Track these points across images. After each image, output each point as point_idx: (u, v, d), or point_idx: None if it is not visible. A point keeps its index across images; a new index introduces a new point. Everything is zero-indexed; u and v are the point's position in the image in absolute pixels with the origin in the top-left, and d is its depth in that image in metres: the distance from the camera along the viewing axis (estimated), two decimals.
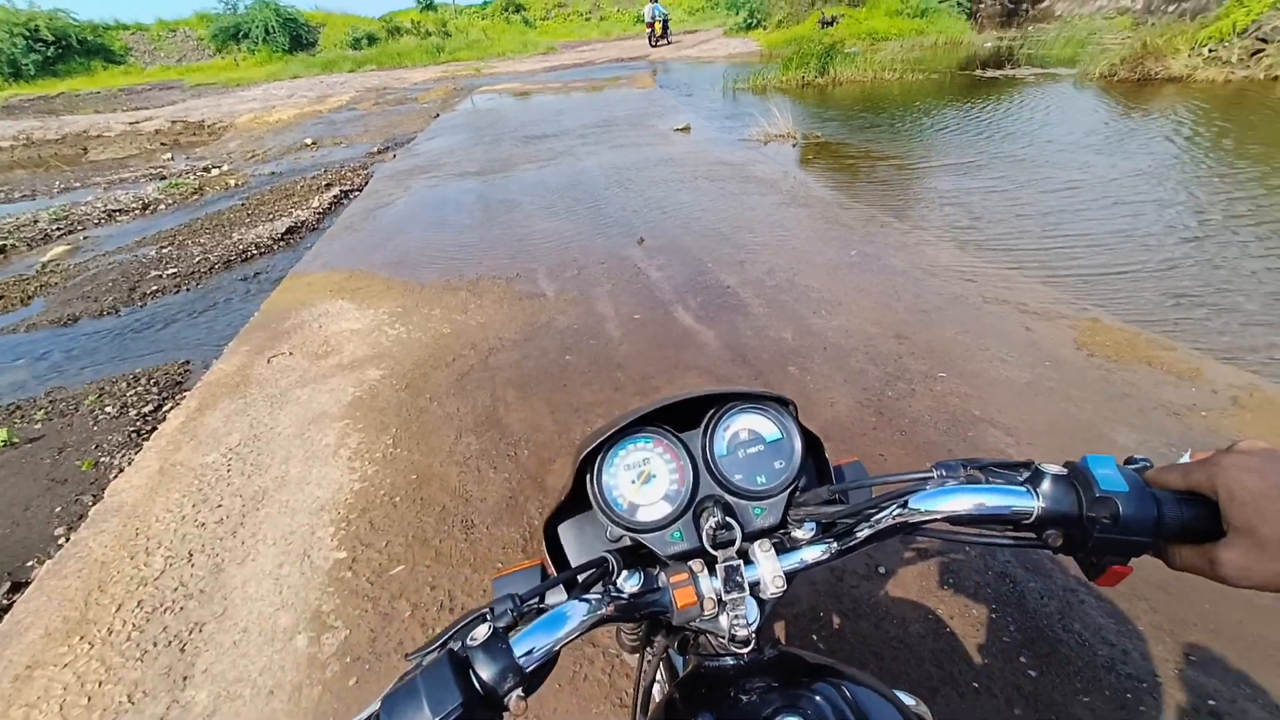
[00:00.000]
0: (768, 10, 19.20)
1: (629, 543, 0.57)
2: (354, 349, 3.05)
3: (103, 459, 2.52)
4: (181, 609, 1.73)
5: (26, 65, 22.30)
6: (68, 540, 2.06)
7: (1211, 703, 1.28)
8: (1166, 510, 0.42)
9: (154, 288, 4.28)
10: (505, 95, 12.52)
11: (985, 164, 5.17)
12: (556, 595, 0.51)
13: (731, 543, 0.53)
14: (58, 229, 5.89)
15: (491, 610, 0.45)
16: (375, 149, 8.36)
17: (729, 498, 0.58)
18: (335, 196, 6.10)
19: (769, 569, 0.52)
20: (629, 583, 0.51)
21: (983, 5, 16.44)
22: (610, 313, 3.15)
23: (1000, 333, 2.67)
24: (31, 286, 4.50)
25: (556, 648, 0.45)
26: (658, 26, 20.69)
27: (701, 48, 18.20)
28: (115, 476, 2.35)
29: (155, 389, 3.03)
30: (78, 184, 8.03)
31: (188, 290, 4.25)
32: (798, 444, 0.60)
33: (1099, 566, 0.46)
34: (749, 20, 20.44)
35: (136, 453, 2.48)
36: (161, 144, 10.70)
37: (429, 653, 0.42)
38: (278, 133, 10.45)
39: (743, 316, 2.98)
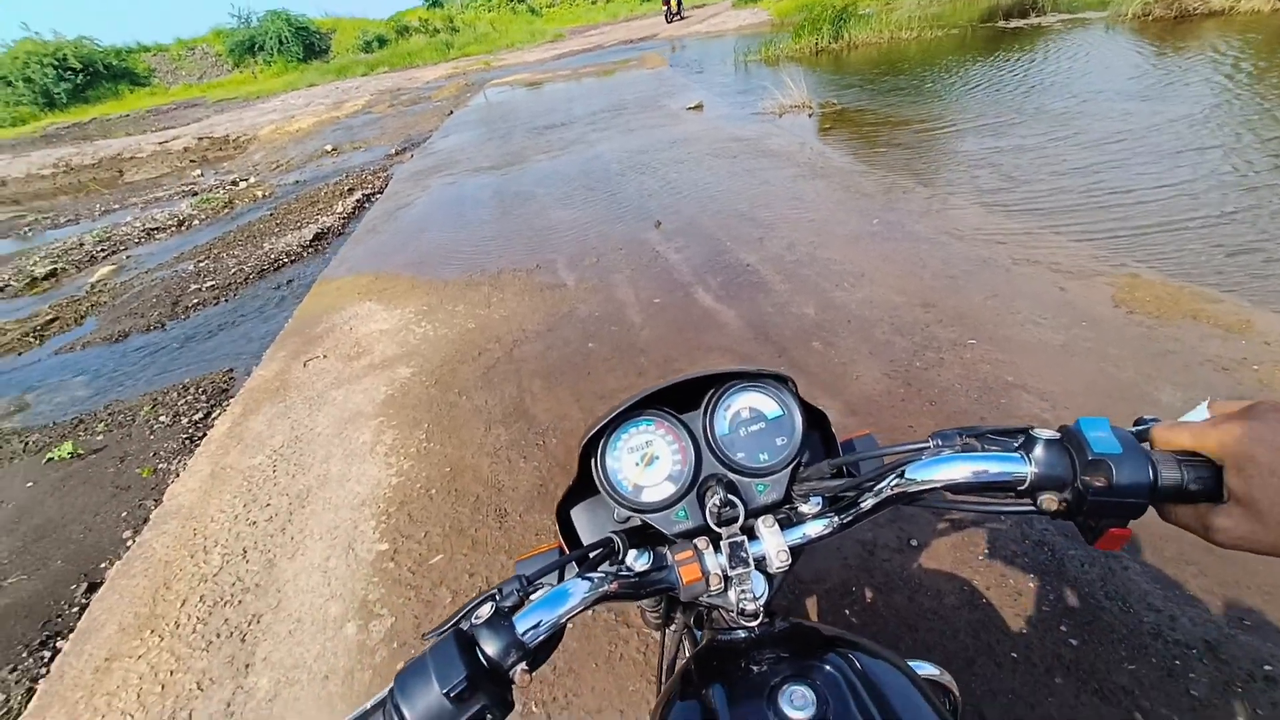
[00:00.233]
0: None
1: (637, 523, 0.59)
2: (384, 349, 3.13)
3: (160, 465, 2.67)
4: (240, 602, 1.84)
5: (59, 94, 23.26)
6: (134, 542, 2.21)
7: (1268, 668, 1.24)
8: (1163, 472, 0.41)
9: (195, 301, 4.47)
10: (516, 87, 12.52)
11: (1015, 121, 4.93)
12: (568, 575, 0.52)
13: (735, 519, 0.54)
14: (102, 250, 6.19)
15: (500, 590, 0.47)
16: (393, 150, 8.49)
17: (732, 476, 0.58)
18: (358, 200, 6.23)
19: (773, 544, 0.53)
20: (638, 561, 0.53)
21: None
22: (631, 298, 3.15)
23: (1032, 294, 2.58)
24: (83, 307, 4.76)
25: (560, 623, 0.47)
26: (674, 3, 20.41)
27: (710, 22, 17.82)
28: (172, 481, 2.50)
29: (204, 397, 3.18)
30: (116, 205, 8.40)
31: (226, 301, 4.42)
32: (798, 420, 0.60)
33: (1096, 530, 0.45)
34: None
35: (190, 458, 2.62)
36: (190, 161, 11.09)
37: (441, 632, 0.44)
38: (299, 142, 10.70)
39: (764, 294, 2.95)
